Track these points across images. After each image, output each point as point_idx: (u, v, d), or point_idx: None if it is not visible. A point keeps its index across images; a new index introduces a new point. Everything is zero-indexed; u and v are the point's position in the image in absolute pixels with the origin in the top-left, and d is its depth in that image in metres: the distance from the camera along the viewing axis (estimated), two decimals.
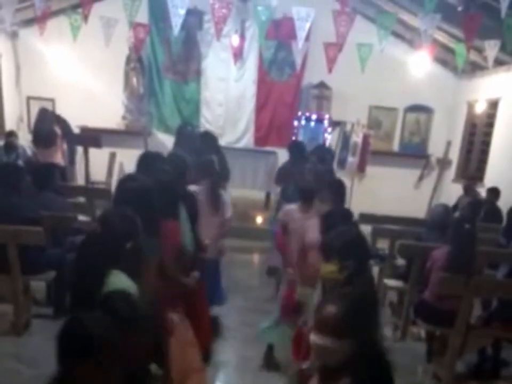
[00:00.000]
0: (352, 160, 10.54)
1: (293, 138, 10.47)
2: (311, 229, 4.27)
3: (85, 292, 2.71)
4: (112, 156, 10.56)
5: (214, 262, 5.38)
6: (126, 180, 3.81)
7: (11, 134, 9.31)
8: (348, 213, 4.09)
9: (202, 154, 6.25)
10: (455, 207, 8.44)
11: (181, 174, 4.58)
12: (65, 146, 9.58)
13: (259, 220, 10.14)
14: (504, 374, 5.21)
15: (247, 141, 11.62)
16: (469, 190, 8.71)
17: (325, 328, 2.12)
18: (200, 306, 4.60)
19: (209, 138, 7.37)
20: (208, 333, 4.81)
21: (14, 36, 10.69)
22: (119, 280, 2.78)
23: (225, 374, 5.11)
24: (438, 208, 6.24)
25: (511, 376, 5.23)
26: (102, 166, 10.32)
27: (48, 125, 9.11)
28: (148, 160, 4.76)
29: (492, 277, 5.57)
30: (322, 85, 10.85)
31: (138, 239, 2.98)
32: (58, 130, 9.28)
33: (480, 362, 5.28)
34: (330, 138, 10.75)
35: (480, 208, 7.60)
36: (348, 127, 10.95)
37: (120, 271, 2.84)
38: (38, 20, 8.97)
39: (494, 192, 8.01)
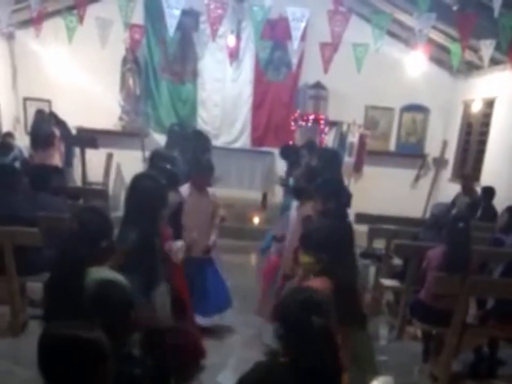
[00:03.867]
0: (348, 160, 10.56)
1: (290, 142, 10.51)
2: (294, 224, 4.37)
3: (64, 289, 2.77)
4: (109, 157, 10.55)
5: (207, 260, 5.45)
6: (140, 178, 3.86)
7: (8, 135, 9.32)
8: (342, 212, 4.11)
9: (195, 153, 6.31)
10: (452, 203, 8.44)
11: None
12: (62, 147, 9.57)
13: (256, 220, 10.14)
14: (501, 374, 5.22)
15: (244, 141, 11.61)
16: (468, 189, 8.68)
17: None
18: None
19: (203, 137, 7.43)
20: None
21: (10, 37, 10.67)
22: (103, 273, 2.85)
23: (224, 376, 5.11)
24: (439, 207, 6.25)
25: (507, 376, 5.23)
26: (99, 167, 10.32)
27: (46, 126, 9.09)
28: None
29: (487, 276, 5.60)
30: (318, 85, 10.84)
31: (111, 236, 3.11)
32: (57, 131, 9.27)
33: (476, 362, 5.30)
34: (326, 138, 10.76)
35: (477, 208, 7.62)
36: (344, 127, 10.96)
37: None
38: (34, 21, 9.00)
39: (489, 192, 8.02)
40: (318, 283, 3.05)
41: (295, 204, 5.38)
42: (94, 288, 2.60)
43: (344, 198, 5.00)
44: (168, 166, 4.52)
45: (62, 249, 3.01)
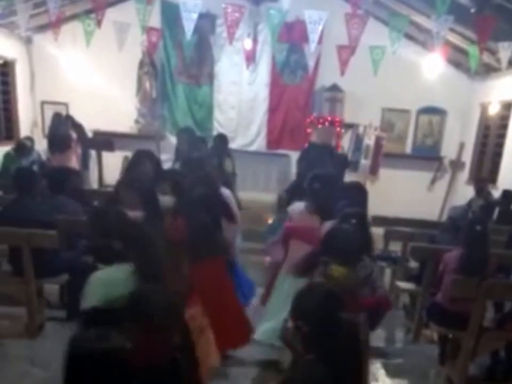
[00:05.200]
0: (364, 162, 10.55)
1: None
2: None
3: None
4: (125, 160, 10.59)
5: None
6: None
7: (27, 139, 9.40)
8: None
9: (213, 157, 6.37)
10: (469, 206, 8.41)
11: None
12: (79, 150, 9.65)
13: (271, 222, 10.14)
14: None
15: (260, 144, 11.63)
16: (481, 192, 8.63)
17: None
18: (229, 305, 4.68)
19: (222, 141, 7.48)
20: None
21: (28, 41, 10.80)
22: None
23: (235, 376, 5.11)
24: (456, 210, 6.22)
25: None
26: (115, 170, 10.36)
27: (63, 129, 9.17)
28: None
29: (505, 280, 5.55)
30: (335, 88, 10.83)
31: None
32: (74, 134, 9.35)
33: (493, 365, 5.25)
34: (342, 141, 10.74)
35: (492, 210, 7.56)
36: (361, 130, 10.93)
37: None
38: (52, 25, 9.09)
39: (510, 195, 7.94)
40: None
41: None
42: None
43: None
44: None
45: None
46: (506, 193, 8.01)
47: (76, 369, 2.00)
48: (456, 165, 11.44)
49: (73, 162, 9.00)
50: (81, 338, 2.15)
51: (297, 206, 5.08)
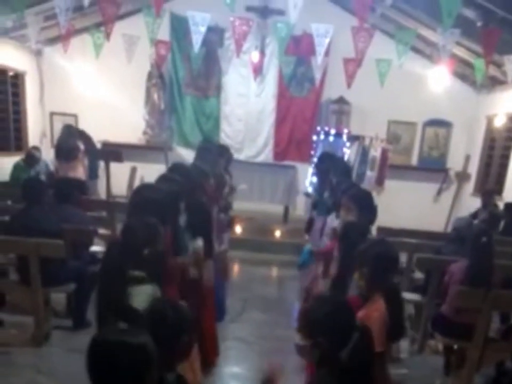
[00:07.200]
0: (370, 174, 10.56)
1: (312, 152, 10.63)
2: None
3: (110, 297, 2.81)
4: (133, 170, 10.69)
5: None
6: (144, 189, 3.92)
7: (34, 148, 9.49)
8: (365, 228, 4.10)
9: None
10: (475, 215, 8.42)
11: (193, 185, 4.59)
12: (86, 161, 9.71)
13: (278, 233, 10.16)
14: None
15: (267, 155, 11.69)
16: (488, 204, 8.64)
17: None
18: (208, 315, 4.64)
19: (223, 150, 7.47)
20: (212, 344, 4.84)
21: (38, 53, 10.91)
22: (140, 289, 2.89)
23: None
24: (461, 221, 6.22)
25: None
26: (123, 180, 10.44)
27: (72, 140, 9.25)
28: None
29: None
30: (341, 100, 10.90)
31: (158, 245, 3.09)
32: (81, 145, 9.42)
33: (498, 376, 5.24)
34: (349, 152, 10.78)
35: (498, 222, 7.56)
36: (367, 142, 10.97)
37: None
38: (62, 38, 9.25)
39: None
40: (374, 310, 3.03)
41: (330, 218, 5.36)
42: (150, 305, 2.57)
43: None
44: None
45: (105, 259, 3.07)
46: (508, 206, 8.02)
47: (96, 357, 2.02)
48: (462, 176, 11.45)
49: (80, 172, 9.07)
50: (109, 329, 2.18)
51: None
